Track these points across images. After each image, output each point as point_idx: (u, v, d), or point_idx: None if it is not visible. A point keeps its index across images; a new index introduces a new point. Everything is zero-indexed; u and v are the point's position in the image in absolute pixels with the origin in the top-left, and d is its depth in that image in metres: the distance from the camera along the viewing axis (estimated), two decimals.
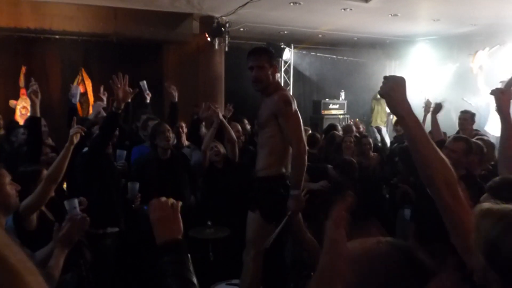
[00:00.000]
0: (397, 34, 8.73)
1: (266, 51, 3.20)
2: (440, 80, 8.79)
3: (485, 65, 7.70)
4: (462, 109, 7.72)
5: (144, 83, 4.92)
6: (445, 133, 4.56)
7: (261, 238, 3.01)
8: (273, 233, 2.98)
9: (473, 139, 3.10)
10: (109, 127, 3.29)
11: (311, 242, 3.18)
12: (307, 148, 2.99)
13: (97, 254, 2.75)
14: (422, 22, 7.55)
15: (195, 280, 1.21)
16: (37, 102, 3.10)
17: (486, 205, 1.12)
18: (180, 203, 1.32)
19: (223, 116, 4.21)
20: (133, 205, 3.32)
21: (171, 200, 1.31)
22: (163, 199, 1.31)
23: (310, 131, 5.55)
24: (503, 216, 1.03)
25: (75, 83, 7.55)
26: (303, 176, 2.95)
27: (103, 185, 3.29)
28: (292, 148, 2.96)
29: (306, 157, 2.94)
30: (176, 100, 4.82)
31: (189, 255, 1.25)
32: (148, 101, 5.00)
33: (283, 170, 3.02)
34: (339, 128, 6.15)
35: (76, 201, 2.21)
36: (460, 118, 4.74)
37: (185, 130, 4.77)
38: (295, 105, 3.01)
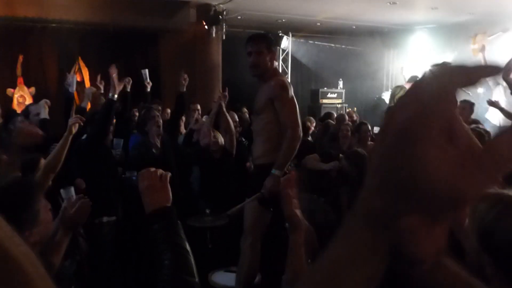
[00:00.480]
0: (395, 23, 8.70)
1: (265, 37, 3.20)
2: None
3: (486, 46, 7.66)
4: (460, 98, 7.72)
5: (146, 72, 4.92)
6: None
7: (259, 226, 3.04)
8: (269, 218, 3.02)
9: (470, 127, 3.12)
10: (106, 115, 3.32)
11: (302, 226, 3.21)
12: (301, 134, 2.99)
13: (94, 243, 2.77)
14: (420, 11, 7.52)
15: (187, 246, 1.21)
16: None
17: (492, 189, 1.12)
18: (169, 174, 1.32)
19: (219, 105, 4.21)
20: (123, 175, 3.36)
21: (160, 171, 1.31)
22: (152, 169, 1.31)
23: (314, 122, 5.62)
24: (499, 200, 1.04)
25: (72, 72, 7.52)
26: (289, 160, 2.95)
27: (100, 174, 3.31)
28: (287, 133, 2.95)
29: (298, 144, 2.94)
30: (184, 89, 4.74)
31: (179, 222, 1.25)
32: (148, 90, 4.99)
33: (274, 156, 2.99)
34: (335, 116, 6.16)
35: (72, 189, 2.23)
36: (458, 108, 4.73)
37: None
38: (291, 91, 3.01)
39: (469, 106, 4.70)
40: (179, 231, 1.23)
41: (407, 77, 8.02)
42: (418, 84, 0.41)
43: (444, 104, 0.38)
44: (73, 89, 4.49)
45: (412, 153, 0.37)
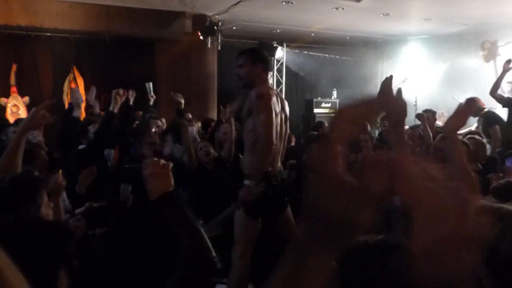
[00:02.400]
0: (388, 33, 8.79)
1: (248, 51, 3.32)
2: (431, 79, 8.87)
3: (497, 55, 7.74)
4: (452, 108, 7.76)
5: (150, 85, 4.95)
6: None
7: (248, 235, 3.06)
8: (259, 229, 3.04)
9: (464, 139, 3.14)
10: (105, 127, 3.35)
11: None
12: (275, 144, 2.97)
13: (85, 255, 2.75)
14: (413, 22, 7.61)
15: (199, 226, 1.27)
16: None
17: (485, 203, 1.12)
18: (171, 164, 1.39)
19: (220, 120, 4.31)
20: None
21: (163, 161, 1.38)
22: (155, 158, 1.39)
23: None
24: (501, 216, 1.03)
25: (66, 81, 7.52)
26: (259, 170, 2.94)
27: (95, 185, 3.30)
28: (258, 143, 2.96)
29: (269, 154, 2.95)
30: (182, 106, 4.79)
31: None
32: (151, 103, 5.01)
33: (263, 167, 3.00)
34: (326, 125, 6.21)
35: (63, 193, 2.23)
36: (424, 117, 4.80)
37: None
38: (271, 100, 3.01)
39: (431, 115, 4.86)
40: (188, 211, 1.30)
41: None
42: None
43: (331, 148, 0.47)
44: (82, 100, 4.58)
45: (318, 190, 0.46)
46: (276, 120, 3.01)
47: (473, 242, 0.46)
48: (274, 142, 2.96)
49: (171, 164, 1.39)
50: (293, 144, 5.61)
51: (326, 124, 6.09)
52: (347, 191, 0.45)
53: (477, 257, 0.46)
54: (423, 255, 0.45)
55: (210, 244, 1.24)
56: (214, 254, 1.22)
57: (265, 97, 2.99)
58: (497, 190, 1.64)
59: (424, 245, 0.45)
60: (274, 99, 3.06)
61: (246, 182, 2.92)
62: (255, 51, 3.40)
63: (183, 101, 4.75)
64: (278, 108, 3.08)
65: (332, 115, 2.63)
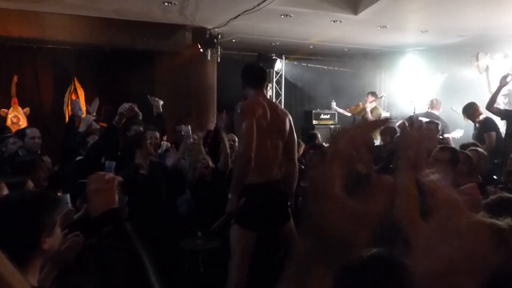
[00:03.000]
0: (386, 45, 8.86)
1: (242, 69, 3.44)
2: (429, 90, 8.92)
3: (490, 65, 7.80)
4: (449, 119, 7.82)
5: (154, 99, 5.06)
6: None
7: (242, 247, 3.09)
8: (254, 240, 3.09)
9: (467, 150, 3.16)
10: (107, 139, 3.39)
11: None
12: (250, 157, 3.01)
13: (79, 266, 2.74)
14: (410, 34, 7.68)
15: (140, 250, 1.16)
16: None
17: (479, 217, 1.13)
18: (118, 178, 1.30)
19: (218, 126, 4.34)
20: None
21: (110, 175, 1.30)
22: (101, 172, 1.30)
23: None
24: (496, 231, 1.04)
25: (67, 93, 7.56)
26: (238, 183, 3.03)
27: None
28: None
29: (246, 168, 3.00)
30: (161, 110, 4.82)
31: (129, 224, 1.20)
32: (155, 115, 5.09)
33: (253, 178, 3.08)
34: (319, 136, 6.25)
35: (68, 196, 2.25)
36: (426, 129, 4.81)
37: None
38: (254, 113, 3.09)
39: (435, 126, 4.87)
40: (130, 233, 1.19)
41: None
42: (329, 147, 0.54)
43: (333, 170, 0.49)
44: (82, 112, 4.63)
45: (318, 208, 0.48)
46: (260, 132, 3.06)
47: (477, 263, 0.47)
48: (250, 154, 2.99)
49: (117, 179, 1.29)
50: (301, 152, 5.64)
51: (319, 136, 6.15)
52: (348, 214, 0.47)
53: (481, 278, 0.47)
54: (425, 277, 0.46)
55: (149, 271, 1.13)
56: (152, 282, 1.12)
57: (244, 111, 3.09)
58: (489, 205, 1.65)
59: (427, 266, 0.46)
60: (260, 111, 3.11)
61: (229, 195, 3.05)
62: (244, 68, 3.46)
63: (159, 105, 4.77)
64: (265, 121, 3.12)
65: (331, 135, 2.71)
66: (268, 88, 3.43)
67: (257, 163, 3.07)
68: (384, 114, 8.86)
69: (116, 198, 1.26)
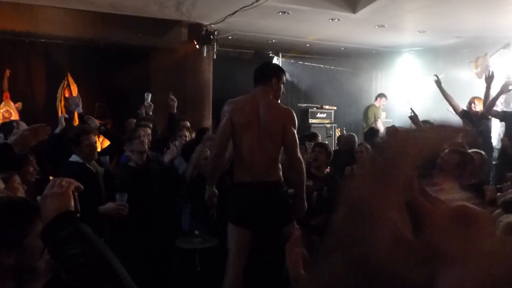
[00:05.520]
0: (383, 45, 8.85)
1: None
2: (426, 91, 8.91)
3: (489, 67, 7.80)
4: (446, 120, 7.78)
5: (148, 95, 5.04)
6: None
7: (235, 244, 3.09)
8: (248, 238, 3.08)
9: (470, 151, 3.13)
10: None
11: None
12: (218, 153, 3.19)
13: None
14: (408, 34, 7.67)
15: (105, 253, 1.08)
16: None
17: (511, 219, 1.09)
18: (75, 183, 1.21)
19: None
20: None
21: (68, 179, 1.21)
22: (57, 179, 1.22)
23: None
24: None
25: (60, 88, 7.46)
26: (209, 176, 3.27)
27: (90, 195, 3.24)
28: None
29: (214, 162, 3.21)
30: (174, 111, 4.73)
31: (84, 225, 1.11)
32: (150, 112, 5.09)
33: (241, 177, 3.16)
34: (319, 136, 6.19)
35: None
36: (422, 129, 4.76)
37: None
38: (229, 110, 3.20)
39: (429, 126, 4.80)
40: (91, 236, 1.10)
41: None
42: (375, 160, 0.41)
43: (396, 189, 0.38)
44: (80, 109, 4.58)
45: (366, 231, 0.38)
46: (242, 130, 3.13)
47: None
48: (219, 150, 3.17)
49: (74, 184, 1.21)
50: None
51: (319, 137, 6.08)
52: (403, 244, 0.37)
53: None
54: None
55: (117, 270, 1.06)
56: (121, 280, 1.04)
57: (223, 109, 3.25)
58: (509, 203, 1.62)
59: None
60: (245, 109, 3.16)
61: (206, 186, 3.28)
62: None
63: (174, 104, 4.69)
64: (251, 119, 3.13)
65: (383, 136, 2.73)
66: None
67: (243, 162, 3.13)
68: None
69: (72, 203, 1.16)
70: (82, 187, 1.23)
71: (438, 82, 5.45)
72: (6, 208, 1.45)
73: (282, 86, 3.34)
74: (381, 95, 8.87)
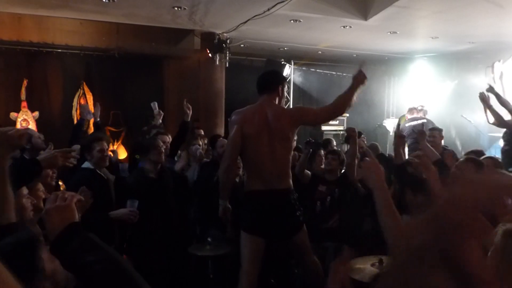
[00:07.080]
0: (396, 51, 8.81)
1: None
2: (439, 97, 8.84)
3: (504, 73, 7.71)
4: (461, 127, 7.71)
5: (155, 104, 5.10)
6: (453, 152, 4.37)
7: (248, 252, 3.08)
8: (262, 246, 3.09)
9: (482, 158, 3.10)
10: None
11: (314, 265, 3.19)
12: (229, 164, 3.19)
13: None
14: (420, 40, 7.63)
15: (117, 256, 1.11)
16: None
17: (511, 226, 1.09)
18: (77, 196, 1.24)
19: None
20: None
21: (69, 193, 1.24)
22: (58, 192, 1.25)
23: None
24: None
25: (76, 97, 7.60)
26: (222, 188, 3.23)
27: (100, 201, 3.27)
28: None
29: (227, 174, 3.19)
30: (189, 119, 4.74)
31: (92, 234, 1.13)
32: (160, 120, 5.18)
33: (253, 185, 3.17)
34: (334, 143, 6.16)
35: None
36: (429, 136, 4.65)
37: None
38: (237, 121, 3.20)
39: (438, 133, 4.74)
40: (98, 242, 1.12)
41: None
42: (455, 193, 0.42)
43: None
44: (91, 115, 4.65)
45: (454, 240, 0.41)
46: (253, 139, 3.12)
47: None
48: (230, 161, 3.17)
49: (77, 197, 1.24)
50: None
51: (334, 143, 6.06)
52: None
53: None
54: None
55: (131, 272, 1.07)
56: (138, 280, 1.06)
57: (232, 119, 3.28)
58: None
59: None
60: (254, 119, 3.16)
61: (219, 200, 3.24)
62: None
63: (189, 112, 4.71)
64: (262, 128, 3.13)
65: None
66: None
67: (254, 171, 3.16)
68: (394, 120, 8.74)
69: (76, 215, 1.19)
70: (83, 199, 1.26)
71: (491, 89, 5.27)
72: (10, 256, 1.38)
73: (285, 91, 3.46)
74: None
